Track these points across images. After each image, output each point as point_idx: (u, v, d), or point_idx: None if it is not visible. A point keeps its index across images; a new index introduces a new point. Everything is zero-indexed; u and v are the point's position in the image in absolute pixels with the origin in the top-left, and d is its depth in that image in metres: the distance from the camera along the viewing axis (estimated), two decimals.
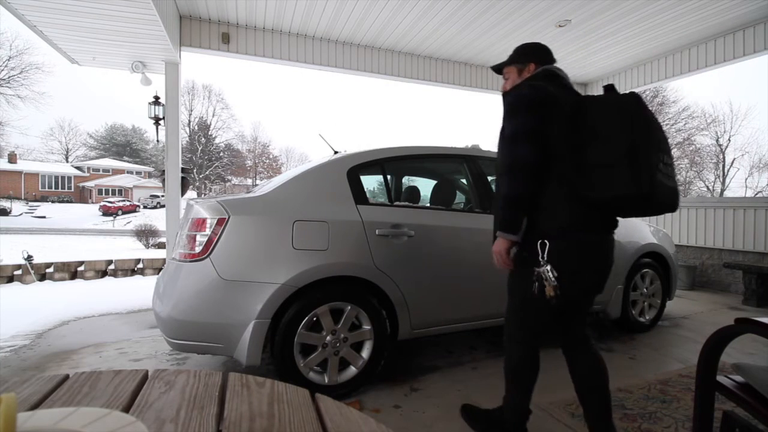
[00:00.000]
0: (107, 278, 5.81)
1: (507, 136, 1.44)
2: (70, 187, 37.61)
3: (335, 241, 2.12)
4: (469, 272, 2.48)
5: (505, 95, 1.54)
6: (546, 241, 1.40)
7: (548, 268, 1.37)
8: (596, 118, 1.36)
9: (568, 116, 1.41)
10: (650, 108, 1.45)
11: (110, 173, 40.06)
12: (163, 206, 8.51)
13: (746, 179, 24.37)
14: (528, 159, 1.38)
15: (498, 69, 1.77)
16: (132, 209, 31.04)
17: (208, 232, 2.00)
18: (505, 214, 1.43)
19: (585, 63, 5.96)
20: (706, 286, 5.23)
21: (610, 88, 1.43)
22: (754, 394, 1.19)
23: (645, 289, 3.28)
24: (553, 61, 1.69)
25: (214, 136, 39.95)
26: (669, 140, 1.47)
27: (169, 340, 2.04)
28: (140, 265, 6.13)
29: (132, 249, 9.19)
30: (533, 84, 1.48)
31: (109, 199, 31.91)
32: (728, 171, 24.27)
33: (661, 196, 1.30)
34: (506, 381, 1.65)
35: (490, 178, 2.78)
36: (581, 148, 1.36)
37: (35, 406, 0.64)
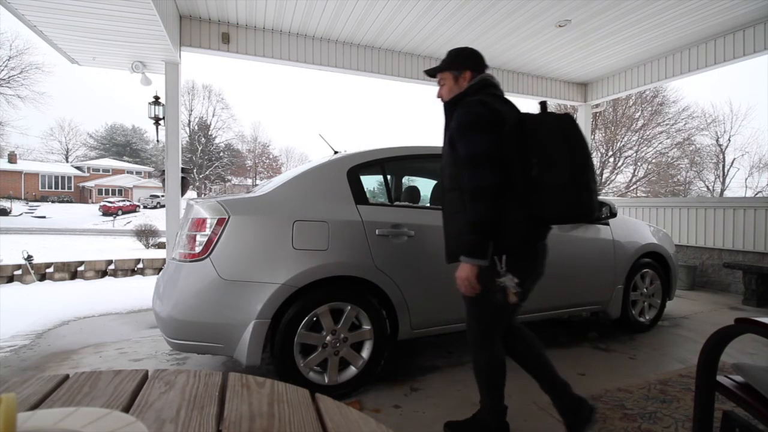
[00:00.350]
0: (107, 278, 5.81)
1: (466, 157, 1.45)
2: (70, 187, 37.61)
3: (335, 241, 2.12)
4: None
5: (449, 107, 1.60)
6: (505, 254, 1.46)
7: (510, 277, 1.44)
8: (543, 141, 1.46)
9: (515, 133, 1.48)
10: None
11: (110, 173, 40.05)
12: (163, 206, 8.52)
13: (746, 179, 24.38)
14: (492, 183, 1.41)
15: (432, 73, 1.76)
16: (132, 209, 31.03)
17: (208, 232, 2.00)
18: (473, 239, 1.44)
19: (585, 63, 5.96)
20: (706, 286, 5.23)
21: (544, 107, 1.54)
22: (754, 394, 1.19)
23: (645, 289, 3.28)
24: (486, 67, 1.70)
25: (214, 136, 39.95)
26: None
27: (169, 340, 2.04)
28: (140, 265, 6.13)
29: (132, 249, 9.19)
30: (484, 101, 1.50)
31: (109, 199, 31.91)
32: (728, 171, 24.27)
33: (596, 212, 1.48)
34: (479, 386, 1.69)
35: None
36: (531, 169, 1.45)
37: (35, 406, 0.64)
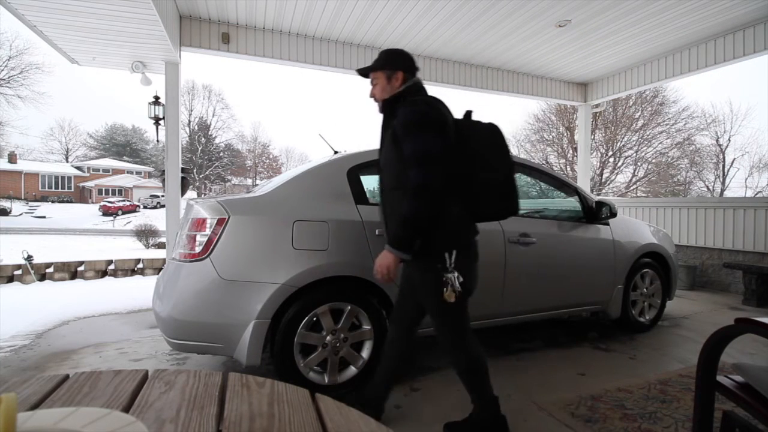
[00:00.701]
0: (107, 278, 5.81)
1: (413, 154, 1.48)
2: (70, 187, 37.61)
3: (335, 241, 2.12)
4: None
5: (387, 106, 1.64)
6: (453, 251, 1.52)
7: (456, 275, 1.50)
8: (478, 145, 1.56)
9: (454, 137, 1.55)
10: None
11: (110, 173, 40.05)
12: (163, 206, 8.52)
13: (746, 179, 24.36)
14: (436, 182, 1.45)
15: (365, 73, 1.78)
16: (132, 209, 31.03)
17: (208, 232, 2.00)
18: (403, 233, 1.48)
19: (585, 63, 5.96)
20: (706, 286, 5.23)
21: (469, 115, 1.64)
22: (754, 394, 1.19)
23: (645, 289, 3.28)
24: (417, 70, 1.74)
25: (214, 136, 39.93)
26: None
27: (169, 340, 2.04)
28: (140, 265, 6.13)
29: (132, 249, 9.19)
30: (429, 102, 1.55)
31: (109, 199, 31.91)
32: (728, 171, 24.26)
33: (519, 209, 1.65)
34: (465, 386, 1.71)
35: None
36: (468, 170, 1.54)
37: (35, 406, 0.64)
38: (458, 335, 1.65)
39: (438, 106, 1.56)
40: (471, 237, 1.63)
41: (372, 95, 1.77)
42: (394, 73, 1.68)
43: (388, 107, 1.68)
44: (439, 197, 1.47)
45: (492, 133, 1.60)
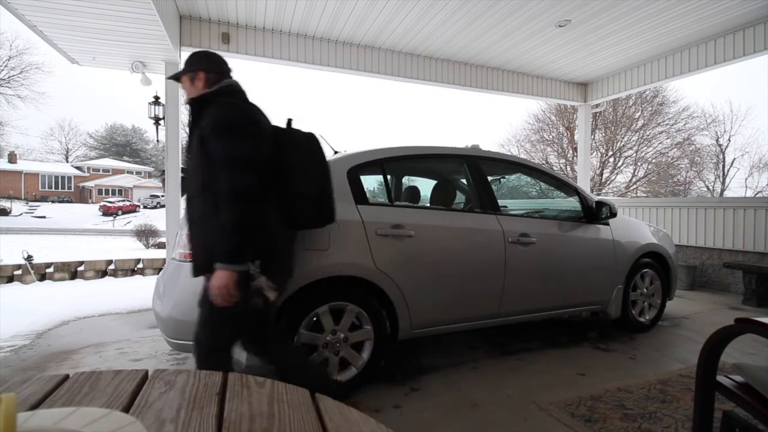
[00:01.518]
0: (107, 278, 5.81)
1: (225, 159, 1.40)
2: (70, 187, 37.59)
3: (335, 241, 2.12)
4: (469, 272, 2.48)
5: (194, 107, 1.56)
6: (259, 258, 1.47)
7: (264, 278, 1.46)
8: (295, 153, 1.56)
9: (269, 144, 1.53)
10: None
11: (110, 173, 40.03)
12: (163, 206, 8.51)
13: (746, 179, 24.33)
14: (253, 186, 1.40)
15: (177, 78, 1.72)
16: (132, 209, 31.01)
17: None
18: (231, 242, 1.37)
19: (585, 63, 5.95)
20: (706, 286, 5.23)
21: (290, 123, 1.65)
22: (754, 394, 1.19)
23: (645, 289, 3.28)
24: (230, 71, 1.68)
25: None
26: None
27: (169, 340, 2.04)
28: (140, 265, 6.13)
29: (132, 249, 9.19)
30: (240, 106, 1.49)
31: (109, 199, 31.90)
32: (728, 171, 24.25)
33: (335, 217, 1.70)
34: (281, 375, 1.65)
35: (490, 178, 2.78)
36: (282, 178, 1.54)
37: (35, 406, 0.64)
38: (222, 339, 1.55)
39: (249, 109, 1.52)
40: (280, 245, 1.60)
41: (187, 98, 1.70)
42: (196, 74, 1.62)
43: (194, 108, 1.58)
44: (257, 202, 1.41)
45: (309, 141, 1.62)
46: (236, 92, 1.62)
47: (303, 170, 1.58)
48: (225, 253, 1.37)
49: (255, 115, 1.53)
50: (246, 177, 1.39)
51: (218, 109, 1.45)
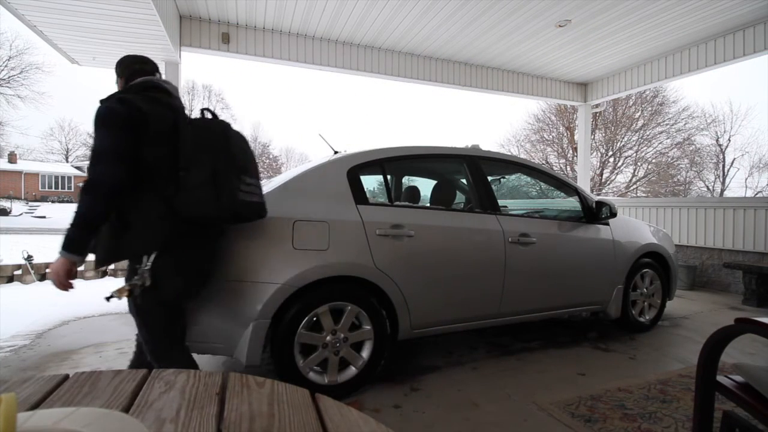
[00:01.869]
0: (107, 278, 5.81)
1: (93, 151, 1.41)
2: (70, 187, 37.57)
3: (335, 241, 2.12)
4: (469, 272, 2.48)
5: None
6: (151, 252, 1.45)
7: (146, 275, 1.43)
8: (192, 142, 1.49)
9: (166, 135, 1.49)
10: (244, 136, 1.66)
11: None
12: None
13: (746, 179, 24.35)
14: (112, 179, 1.38)
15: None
16: None
17: None
18: (76, 233, 1.37)
19: (585, 63, 5.96)
20: (706, 286, 5.23)
21: (202, 113, 1.59)
22: (754, 394, 1.20)
23: (645, 289, 3.28)
24: (150, 71, 1.67)
25: None
26: (258, 162, 1.70)
27: None
28: None
29: None
30: (123, 98, 1.46)
31: None
32: (728, 171, 24.26)
33: (245, 211, 1.57)
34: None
35: (490, 178, 2.78)
36: (178, 169, 1.48)
37: (35, 406, 0.64)
38: (160, 343, 1.58)
39: (139, 104, 1.45)
40: (176, 238, 1.51)
41: None
42: (118, 79, 1.69)
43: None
44: (115, 196, 1.39)
45: (209, 129, 1.53)
46: (149, 88, 1.58)
47: (196, 159, 1.48)
48: (64, 241, 1.38)
49: (141, 107, 1.45)
50: (104, 169, 1.38)
51: (101, 105, 1.45)
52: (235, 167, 1.53)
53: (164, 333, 1.58)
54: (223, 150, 1.51)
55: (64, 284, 1.43)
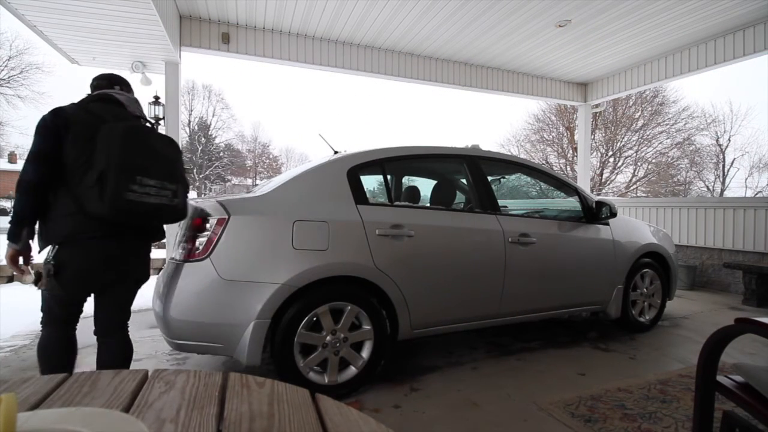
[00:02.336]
0: None
1: (27, 155, 1.63)
2: None
3: (335, 241, 2.12)
4: (469, 272, 2.48)
5: None
6: (56, 245, 1.62)
7: (50, 267, 1.60)
8: (95, 145, 1.61)
9: (85, 140, 1.62)
10: (150, 138, 1.70)
11: None
12: None
13: (746, 179, 24.34)
14: (31, 178, 1.57)
15: None
16: None
17: (208, 232, 2.00)
18: (11, 224, 1.61)
19: (585, 63, 5.96)
20: (706, 286, 5.23)
21: (118, 116, 1.72)
22: (754, 394, 1.19)
23: (645, 289, 3.28)
24: (106, 86, 1.84)
25: (214, 136, 39.85)
26: (176, 166, 1.76)
27: (169, 340, 2.04)
28: None
29: None
30: (57, 108, 1.66)
31: None
32: (728, 171, 24.26)
33: (138, 210, 1.60)
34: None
35: (490, 178, 2.78)
36: (84, 170, 1.60)
37: (35, 406, 0.64)
38: (44, 316, 1.77)
39: (67, 112, 1.63)
40: (78, 232, 1.62)
41: None
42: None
43: None
44: (37, 192, 1.58)
45: (108, 132, 1.61)
46: (96, 100, 1.76)
47: (91, 160, 1.59)
48: (7, 232, 1.64)
49: (68, 115, 1.62)
50: (27, 170, 1.58)
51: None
52: (126, 168, 1.58)
53: (49, 315, 1.76)
54: (117, 150, 1.58)
55: (14, 268, 1.67)
